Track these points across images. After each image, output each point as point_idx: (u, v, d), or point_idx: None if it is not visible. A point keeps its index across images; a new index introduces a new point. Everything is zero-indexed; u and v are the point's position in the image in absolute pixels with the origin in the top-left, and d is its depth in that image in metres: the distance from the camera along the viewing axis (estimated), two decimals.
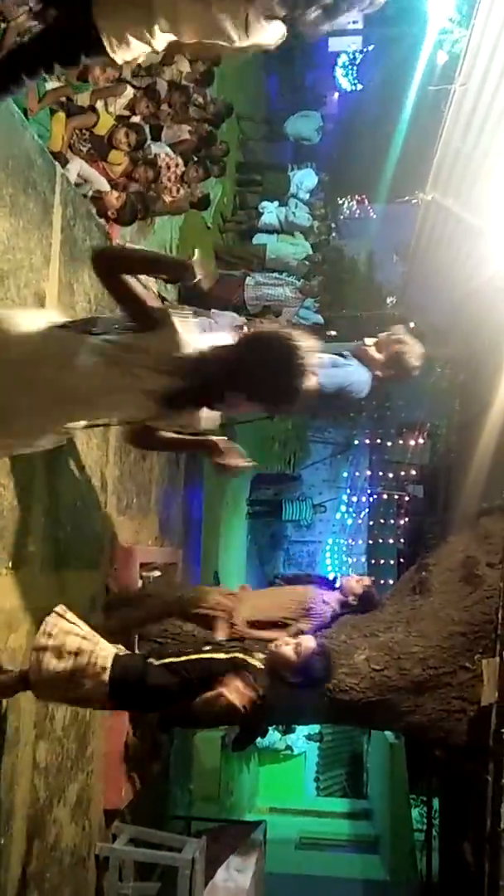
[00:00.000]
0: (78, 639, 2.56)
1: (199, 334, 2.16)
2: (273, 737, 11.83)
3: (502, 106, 4.21)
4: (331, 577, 4.79)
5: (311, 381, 3.04)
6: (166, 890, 4.28)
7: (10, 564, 3.08)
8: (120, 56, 2.49)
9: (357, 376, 3.33)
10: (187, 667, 2.57)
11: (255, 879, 5.04)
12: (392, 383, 3.50)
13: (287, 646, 2.78)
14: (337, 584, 4.63)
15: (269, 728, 9.52)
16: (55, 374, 2.07)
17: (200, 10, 2.41)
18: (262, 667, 2.67)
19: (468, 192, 5.02)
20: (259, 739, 9.15)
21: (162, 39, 2.50)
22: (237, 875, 4.87)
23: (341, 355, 3.37)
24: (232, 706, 2.46)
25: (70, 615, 2.65)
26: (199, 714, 2.53)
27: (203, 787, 7.56)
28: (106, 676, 2.51)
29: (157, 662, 2.57)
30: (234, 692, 2.46)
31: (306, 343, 2.11)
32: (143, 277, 2.25)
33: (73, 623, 2.62)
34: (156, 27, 2.44)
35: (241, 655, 2.64)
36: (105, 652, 2.57)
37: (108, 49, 2.44)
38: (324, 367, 3.24)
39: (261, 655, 2.74)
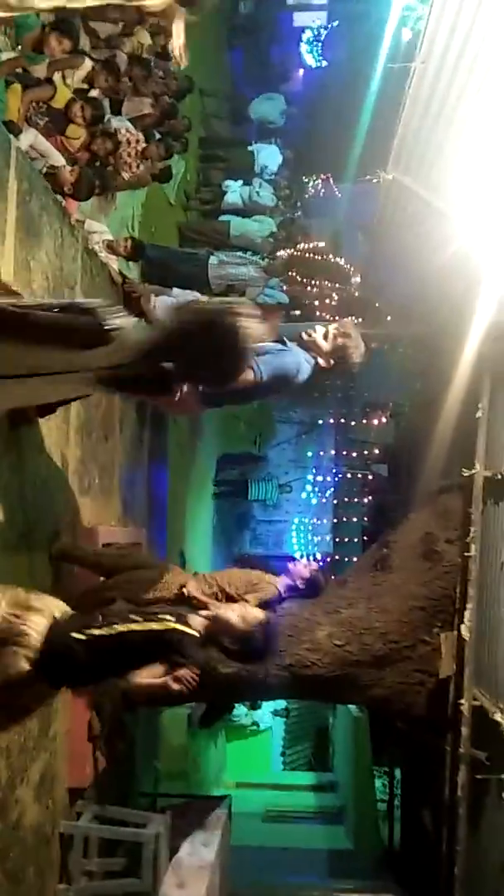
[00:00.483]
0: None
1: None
2: (240, 711, 11.97)
3: (461, 85, 4.21)
4: (297, 556, 4.86)
5: (248, 374, 3.07)
6: (131, 865, 4.33)
7: None
8: None
9: (293, 364, 3.37)
10: (119, 640, 2.40)
11: (221, 853, 5.13)
12: (332, 373, 3.55)
13: (232, 611, 2.73)
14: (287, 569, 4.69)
15: (235, 704, 9.64)
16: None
17: None
18: (199, 634, 2.57)
19: (428, 171, 5.03)
20: (226, 715, 9.23)
21: None
22: (202, 849, 4.94)
23: (282, 342, 3.41)
24: (174, 692, 2.44)
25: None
26: (135, 694, 2.46)
27: (170, 763, 7.64)
28: (30, 654, 2.30)
29: (83, 636, 2.37)
30: (177, 682, 2.44)
31: (252, 328, 2.11)
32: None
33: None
34: None
35: (176, 626, 2.50)
36: (32, 625, 2.34)
37: None
38: (261, 355, 3.26)
39: (198, 620, 2.64)
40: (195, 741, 8.88)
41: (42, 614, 2.37)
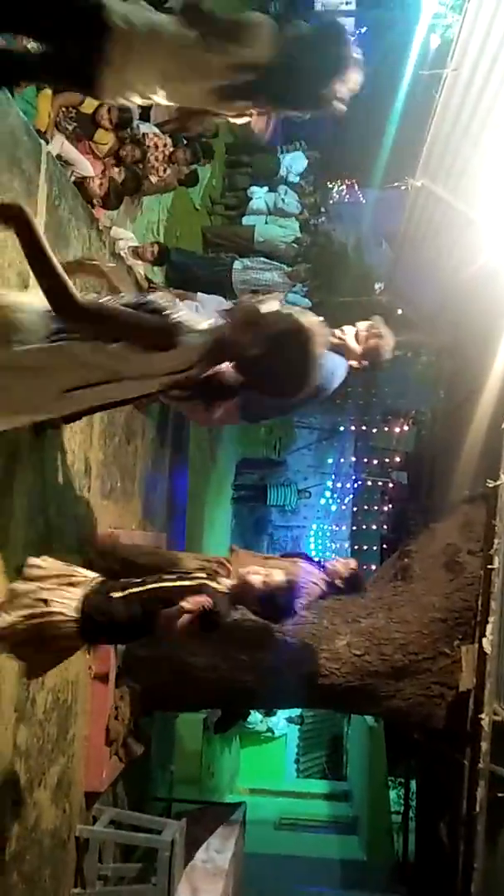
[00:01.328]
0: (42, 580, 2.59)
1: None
2: (254, 718, 11.94)
3: (494, 93, 4.19)
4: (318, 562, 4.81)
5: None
6: (146, 871, 4.32)
7: None
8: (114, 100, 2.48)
9: (329, 369, 3.31)
10: (151, 596, 2.58)
11: (235, 860, 5.10)
12: (362, 373, 3.49)
13: (257, 575, 2.82)
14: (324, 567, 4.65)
15: (251, 710, 9.61)
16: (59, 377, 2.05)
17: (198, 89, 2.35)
18: (227, 592, 2.71)
19: (458, 179, 5.00)
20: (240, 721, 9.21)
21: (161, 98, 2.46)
22: (216, 856, 4.92)
23: None
24: (193, 617, 2.51)
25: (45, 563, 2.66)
26: (165, 634, 2.56)
27: (184, 769, 7.62)
28: (73, 617, 2.52)
29: (119, 594, 2.56)
30: (192, 603, 2.51)
31: (319, 331, 2.06)
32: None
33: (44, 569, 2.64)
34: (155, 95, 2.40)
35: (207, 581, 2.66)
36: (70, 592, 2.57)
37: (100, 95, 2.43)
38: None
39: (228, 582, 2.76)
40: (210, 747, 8.86)
41: (81, 578, 2.60)
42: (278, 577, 2.91)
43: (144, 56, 2.26)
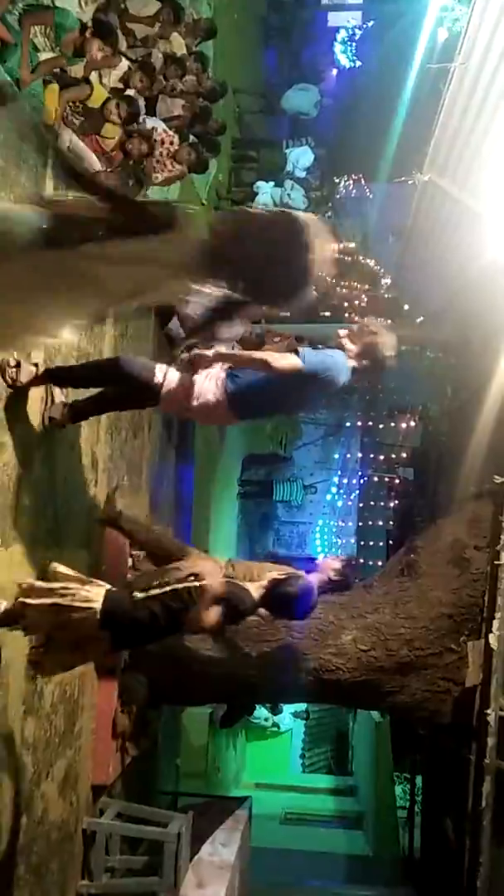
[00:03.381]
0: (66, 580, 2.63)
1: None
2: (260, 713, 11.96)
3: (502, 86, 4.16)
4: (319, 559, 4.83)
5: (292, 360, 3.09)
6: (152, 864, 4.34)
7: (1, 542, 3.08)
8: None
9: (333, 363, 3.35)
10: (173, 596, 2.61)
11: (241, 854, 5.12)
12: (366, 374, 3.50)
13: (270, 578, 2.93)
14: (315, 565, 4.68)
15: (257, 705, 9.63)
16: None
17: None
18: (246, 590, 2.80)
19: (466, 173, 4.98)
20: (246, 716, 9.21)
21: None
22: (222, 849, 4.94)
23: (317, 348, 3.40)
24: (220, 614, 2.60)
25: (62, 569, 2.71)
26: (191, 628, 2.65)
27: (190, 762, 7.65)
28: (95, 608, 2.55)
29: (141, 595, 2.60)
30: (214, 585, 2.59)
31: (313, 222, 2.05)
32: None
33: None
34: None
35: (228, 579, 2.76)
36: (94, 590, 2.61)
37: None
38: (304, 348, 3.29)
39: (248, 584, 2.87)
40: (215, 741, 8.88)
41: (100, 585, 2.65)
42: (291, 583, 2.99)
43: None
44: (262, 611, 2.99)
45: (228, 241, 2.06)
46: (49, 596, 2.55)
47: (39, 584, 2.62)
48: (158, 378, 3.27)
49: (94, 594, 2.59)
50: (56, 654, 2.65)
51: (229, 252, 2.05)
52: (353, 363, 3.43)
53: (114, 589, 2.66)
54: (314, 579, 4.34)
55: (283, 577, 2.96)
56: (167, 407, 3.62)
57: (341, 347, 3.44)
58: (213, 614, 2.62)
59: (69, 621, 2.53)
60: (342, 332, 3.48)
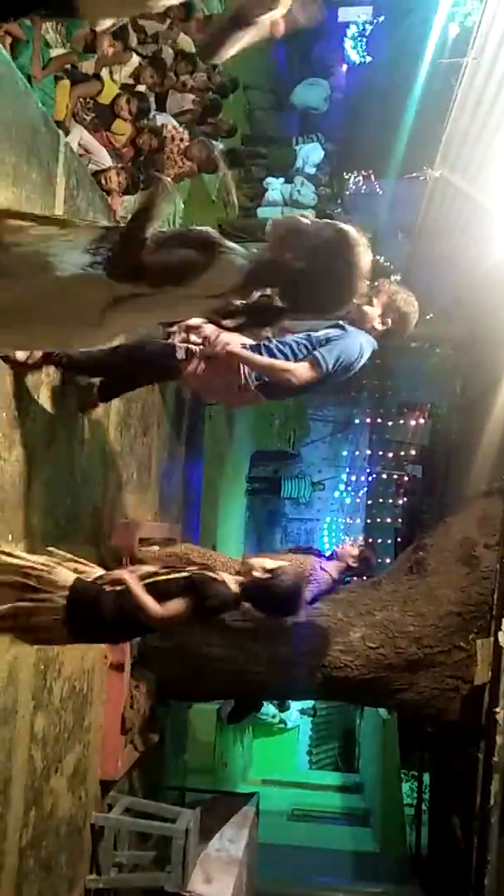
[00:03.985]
0: (33, 563, 2.50)
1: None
2: (268, 709, 11.98)
3: None
4: (327, 553, 4.82)
5: (312, 371, 3.06)
6: (160, 859, 4.36)
7: (10, 538, 3.08)
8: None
9: (354, 347, 3.26)
10: (150, 589, 2.44)
11: (248, 850, 5.13)
12: (395, 334, 3.40)
13: (257, 571, 2.69)
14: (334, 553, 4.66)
15: (264, 702, 9.64)
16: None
17: None
18: (224, 581, 2.59)
19: (477, 169, 4.95)
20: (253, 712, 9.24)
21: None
22: (230, 845, 4.95)
23: (339, 326, 3.30)
24: (184, 605, 2.44)
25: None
26: (152, 622, 2.45)
27: (198, 758, 7.67)
28: (57, 593, 2.42)
29: (112, 588, 2.45)
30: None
31: (360, 238, 2.03)
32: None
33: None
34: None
35: (202, 571, 2.56)
36: (63, 574, 2.47)
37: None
38: (322, 345, 3.21)
39: (227, 576, 2.64)
40: (223, 737, 8.91)
41: (84, 569, 2.53)
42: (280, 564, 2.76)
43: None
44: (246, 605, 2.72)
45: (280, 251, 2.06)
46: (14, 573, 2.43)
47: (8, 559, 2.50)
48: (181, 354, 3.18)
49: (62, 580, 2.45)
50: (21, 631, 2.54)
51: (281, 263, 2.05)
52: (378, 325, 3.35)
53: (83, 578, 2.51)
54: (333, 568, 4.33)
55: (271, 570, 2.69)
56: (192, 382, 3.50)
57: (360, 316, 3.35)
58: (173, 606, 2.43)
59: (29, 602, 2.41)
60: (360, 300, 3.40)
